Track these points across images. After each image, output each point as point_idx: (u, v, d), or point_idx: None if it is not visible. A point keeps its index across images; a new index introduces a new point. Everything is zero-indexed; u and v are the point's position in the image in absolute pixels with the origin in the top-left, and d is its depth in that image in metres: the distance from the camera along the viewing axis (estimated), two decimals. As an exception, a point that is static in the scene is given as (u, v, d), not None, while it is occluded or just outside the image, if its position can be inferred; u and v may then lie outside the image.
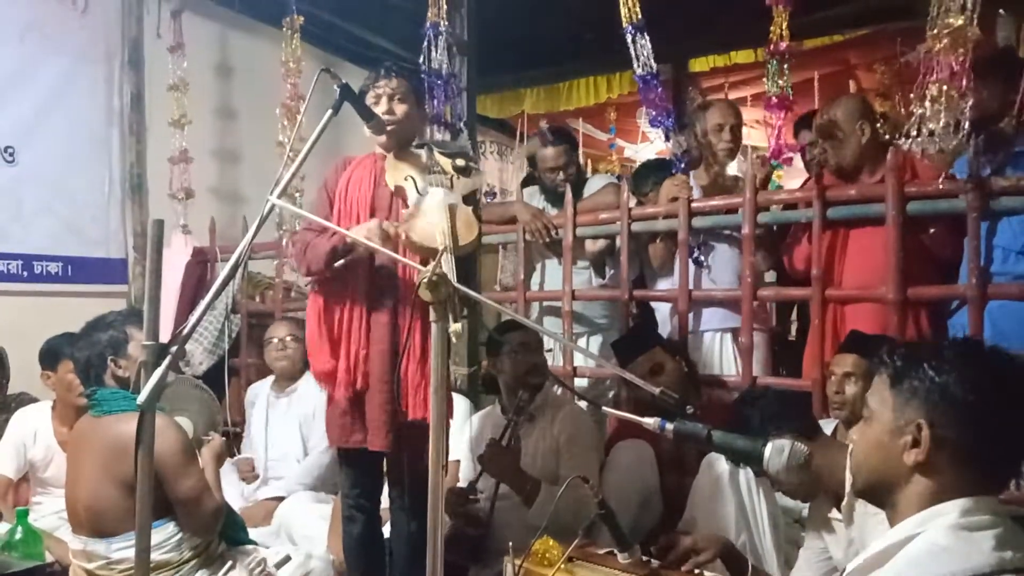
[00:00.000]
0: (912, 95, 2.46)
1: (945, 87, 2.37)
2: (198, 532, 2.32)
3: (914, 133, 2.42)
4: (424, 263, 1.69)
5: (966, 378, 1.19)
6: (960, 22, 2.37)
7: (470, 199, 2.27)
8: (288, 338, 3.55)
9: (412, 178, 2.24)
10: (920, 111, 2.41)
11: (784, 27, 3.12)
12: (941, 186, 2.63)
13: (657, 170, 3.73)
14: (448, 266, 1.93)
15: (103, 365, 2.36)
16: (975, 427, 1.18)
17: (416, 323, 2.20)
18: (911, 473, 1.21)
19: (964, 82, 2.39)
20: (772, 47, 3.21)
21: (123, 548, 2.22)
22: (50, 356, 3.19)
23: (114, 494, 2.22)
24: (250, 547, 2.55)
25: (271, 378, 3.70)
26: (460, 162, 2.29)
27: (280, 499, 3.31)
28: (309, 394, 3.46)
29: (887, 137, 2.93)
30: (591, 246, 3.56)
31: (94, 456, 2.26)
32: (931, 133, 2.38)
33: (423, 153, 2.40)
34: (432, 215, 2.09)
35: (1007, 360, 1.24)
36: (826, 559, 2.06)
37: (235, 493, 3.33)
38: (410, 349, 2.26)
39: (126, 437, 2.09)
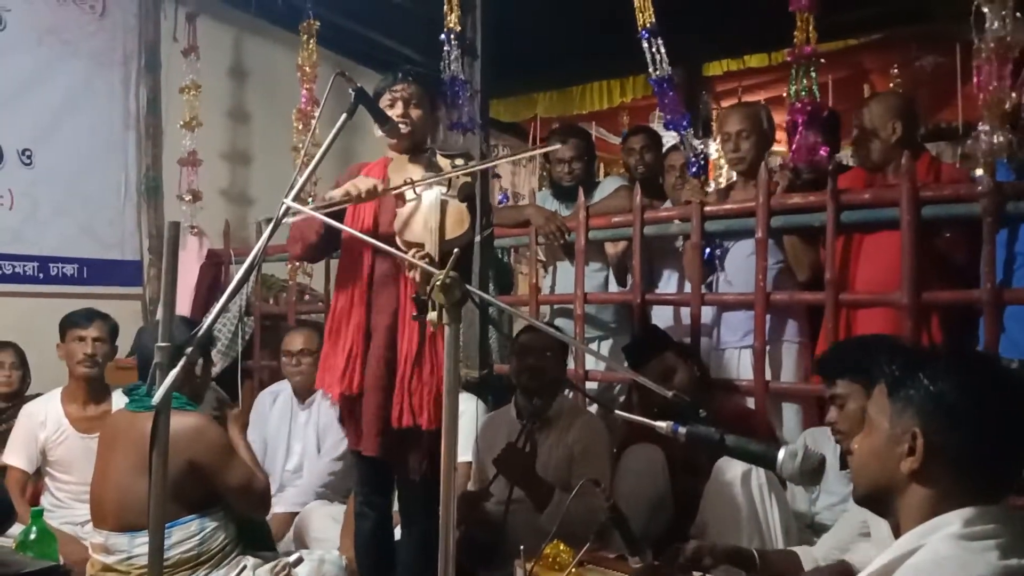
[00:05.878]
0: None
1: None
2: (254, 512, 2.50)
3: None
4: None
5: (960, 387, 1.18)
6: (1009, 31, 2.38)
7: (465, 190, 2.25)
8: (301, 352, 3.46)
9: (411, 180, 2.24)
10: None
11: (811, 30, 3.08)
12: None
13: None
14: (433, 252, 2.00)
15: None
16: (970, 436, 1.17)
17: (415, 328, 2.21)
18: (909, 482, 1.20)
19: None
20: (796, 52, 3.17)
21: (145, 543, 2.23)
22: (61, 326, 3.22)
23: (145, 488, 2.23)
24: (269, 553, 2.57)
25: (285, 385, 3.68)
26: (459, 161, 2.29)
27: (294, 514, 3.27)
28: (328, 404, 3.42)
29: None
30: (611, 248, 3.55)
31: (128, 450, 2.28)
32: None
33: (426, 156, 2.40)
34: (424, 214, 2.10)
35: (1002, 369, 1.23)
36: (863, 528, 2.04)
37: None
38: (407, 354, 2.26)
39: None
